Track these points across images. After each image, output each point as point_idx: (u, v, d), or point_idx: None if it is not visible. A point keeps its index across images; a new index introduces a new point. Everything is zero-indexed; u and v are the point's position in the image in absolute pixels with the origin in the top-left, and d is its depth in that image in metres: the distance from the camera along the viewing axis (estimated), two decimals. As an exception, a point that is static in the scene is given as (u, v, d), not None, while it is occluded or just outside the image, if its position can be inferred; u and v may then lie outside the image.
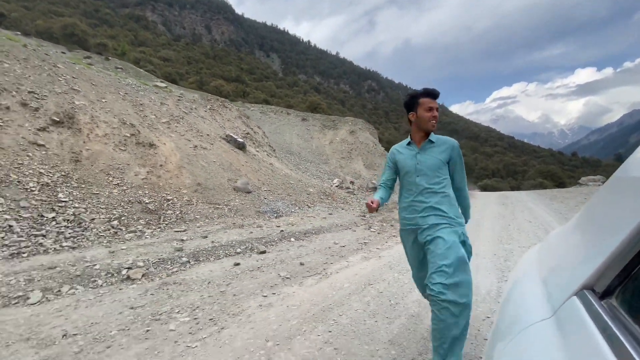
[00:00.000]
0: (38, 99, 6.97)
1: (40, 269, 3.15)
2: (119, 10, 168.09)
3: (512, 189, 39.00)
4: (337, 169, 19.18)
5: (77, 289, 2.88)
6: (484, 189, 30.00)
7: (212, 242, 4.61)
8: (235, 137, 10.78)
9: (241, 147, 10.62)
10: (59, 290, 2.81)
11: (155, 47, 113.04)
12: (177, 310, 2.51)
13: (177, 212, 5.72)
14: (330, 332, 2.24)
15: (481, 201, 13.38)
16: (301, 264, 3.88)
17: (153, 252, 3.98)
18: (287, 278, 3.37)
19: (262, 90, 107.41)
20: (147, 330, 2.21)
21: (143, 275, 3.22)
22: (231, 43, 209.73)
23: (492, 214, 8.39)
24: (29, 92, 7.00)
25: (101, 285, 2.99)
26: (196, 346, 2.03)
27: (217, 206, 6.50)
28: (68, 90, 8.04)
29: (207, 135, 10.35)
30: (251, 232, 5.38)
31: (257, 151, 11.97)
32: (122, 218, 5.00)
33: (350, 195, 11.34)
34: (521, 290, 0.90)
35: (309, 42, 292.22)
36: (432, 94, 1.90)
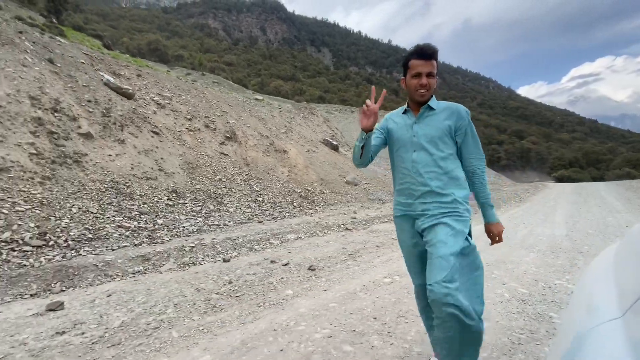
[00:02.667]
0: (211, 121, 10.04)
1: (259, 232, 5.68)
2: (185, 21, 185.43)
3: (594, 179, 36.17)
4: (407, 163, 20.76)
5: (301, 238, 5.30)
6: (560, 180, 28.75)
7: (366, 215, 6.93)
8: (330, 140, 13.20)
9: (335, 148, 13.00)
10: (286, 239, 5.24)
11: (219, 52, 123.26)
12: (386, 245, 4.73)
13: (320, 198, 8.20)
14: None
15: (555, 191, 14.01)
16: None
17: (342, 219, 6.38)
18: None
19: (316, 87, 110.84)
20: (376, 248, 4.43)
21: (353, 228, 5.59)
22: (284, 42, 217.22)
23: (565, 202, 9.50)
24: (205, 116, 10.11)
25: (329, 233, 5.37)
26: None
27: (341, 194, 8.89)
28: (221, 112, 11.12)
29: (311, 140, 12.95)
30: (380, 210, 7.64)
31: (345, 151, 14.30)
32: (293, 201, 7.60)
33: (431, 187, 13.17)
34: (593, 289, 0.86)
35: (359, 32, 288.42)
36: (421, 54, 1.45)
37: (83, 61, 8.28)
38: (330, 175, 9.95)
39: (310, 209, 7.34)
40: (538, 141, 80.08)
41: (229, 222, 5.56)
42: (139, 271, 2.98)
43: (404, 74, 1.54)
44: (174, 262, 3.22)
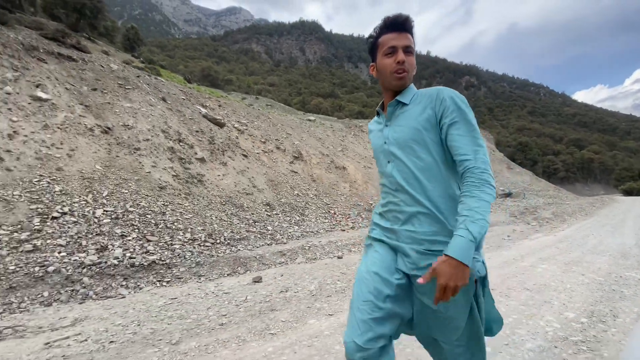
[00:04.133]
0: (280, 143, 11.35)
1: (347, 239, 6.52)
2: (231, 46, 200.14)
3: (672, 191, 32.48)
4: (457, 177, 20.74)
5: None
6: (628, 193, 26.35)
7: None
8: (384, 156, 14.00)
9: (390, 164, 13.75)
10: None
11: (262, 74, 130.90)
12: None
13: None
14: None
15: (624, 205, 13.28)
16: (508, 236, 6.47)
17: None
18: (507, 241, 6.01)
19: (355, 102, 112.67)
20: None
21: None
22: (322, 60, 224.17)
23: (635, 215, 9.22)
24: (275, 139, 11.46)
25: None
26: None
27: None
28: (287, 134, 12.45)
29: (365, 157, 13.82)
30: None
31: (398, 166, 14.99)
32: (360, 214, 8.45)
33: (487, 201, 13.24)
34: None
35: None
36: (393, 25, 1.09)
37: (183, 97, 10.07)
38: (389, 190, 10.72)
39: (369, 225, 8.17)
40: (601, 150, 73.15)
41: (317, 229, 6.54)
42: (283, 262, 4.01)
43: (373, 58, 1.15)
44: (302, 257, 4.22)
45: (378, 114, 1.25)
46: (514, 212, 10.87)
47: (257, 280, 3.19)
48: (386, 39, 1.10)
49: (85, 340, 1.92)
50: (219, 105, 11.87)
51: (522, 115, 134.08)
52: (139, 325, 2.14)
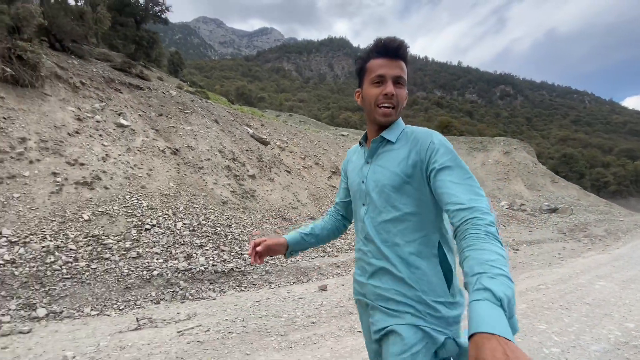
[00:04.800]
0: (319, 158, 11.83)
1: None
2: (263, 65, 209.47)
3: None
4: (495, 191, 20.07)
5: None
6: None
7: None
8: (421, 171, 14.03)
9: (426, 178, 13.73)
10: None
11: (292, 91, 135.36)
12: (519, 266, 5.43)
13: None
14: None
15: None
16: (559, 254, 6.37)
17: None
18: (559, 259, 5.92)
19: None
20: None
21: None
22: (350, 75, 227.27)
23: None
24: (314, 155, 11.97)
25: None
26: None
27: (442, 223, 9.60)
28: (324, 150, 12.95)
29: (402, 171, 13.96)
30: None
31: (435, 180, 14.91)
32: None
33: (532, 217, 12.70)
34: None
35: (425, 57, 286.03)
36: (385, 50, 0.95)
37: (232, 118, 10.94)
38: (427, 205, 10.75)
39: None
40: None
41: (361, 244, 6.83)
42: (339, 273, 4.35)
43: (359, 83, 1.04)
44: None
45: (361, 144, 1.10)
46: (562, 228, 10.44)
47: (323, 288, 3.55)
48: (375, 65, 0.95)
49: (208, 330, 2.37)
50: (262, 125, 12.67)
51: (565, 125, 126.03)
52: (243, 320, 2.57)
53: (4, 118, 4.57)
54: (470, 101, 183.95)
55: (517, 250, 7.05)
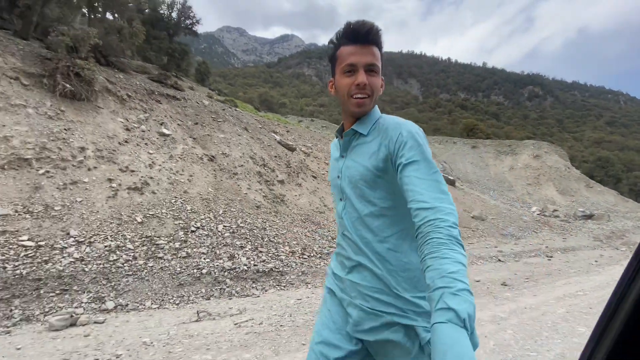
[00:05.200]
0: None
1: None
2: (284, 72, 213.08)
3: None
4: (525, 196, 19.38)
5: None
6: None
7: (511, 249, 7.47)
8: (447, 175, 13.81)
9: (452, 183, 13.51)
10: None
11: (313, 96, 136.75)
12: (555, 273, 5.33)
13: (452, 232, 8.99)
14: None
15: None
16: (595, 261, 6.23)
17: (487, 252, 7.13)
18: (596, 267, 5.78)
19: (405, 118, 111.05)
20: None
21: (506, 260, 6.34)
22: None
23: None
24: (339, 160, 12.13)
25: (485, 263, 6.29)
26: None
27: (471, 229, 9.45)
28: (349, 155, 13.11)
29: (427, 176, 13.85)
30: (517, 245, 7.98)
31: (461, 185, 14.63)
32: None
33: (566, 224, 12.23)
34: None
35: (448, 59, 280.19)
36: (355, 35, 0.89)
37: (260, 126, 11.34)
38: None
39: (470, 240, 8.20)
40: None
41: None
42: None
43: (332, 72, 0.97)
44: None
45: (337, 137, 1.05)
46: (598, 235, 10.00)
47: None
48: (345, 53, 0.90)
49: (261, 323, 2.59)
50: (287, 131, 13.01)
51: (599, 126, 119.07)
52: (290, 316, 2.77)
53: (65, 130, 5.08)
54: (497, 103, 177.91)
55: (551, 257, 6.88)
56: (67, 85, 5.34)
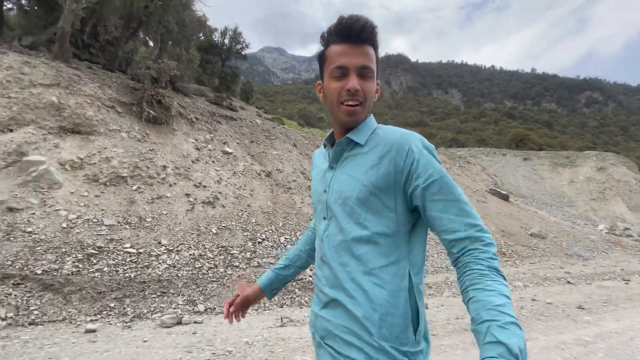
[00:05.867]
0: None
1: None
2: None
3: None
4: (589, 213, 17.69)
5: (529, 286, 5.90)
6: None
7: (580, 271, 6.95)
8: (498, 189, 13.15)
9: (505, 198, 12.83)
10: (516, 285, 5.96)
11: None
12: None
13: (510, 251, 8.52)
14: None
15: None
16: None
17: (552, 273, 6.73)
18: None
19: (447, 129, 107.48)
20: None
21: (576, 282, 5.95)
22: (409, 90, 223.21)
23: None
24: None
25: (554, 285, 5.92)
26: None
27: (530, 248, 8.91)
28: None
29: (477, 190, 13.30)
30: (586, 267, 7.39)
31: (515, 200, 13.83)
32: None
33: (641, 243, 11.01)
34: None
35: (492, 67, 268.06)
36: (346, 33, 0.78)
37: (306, 141, 11.81)
38: (510, 227, 10.06)
39: (508, 260, 7.79)
40: None
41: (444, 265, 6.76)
42: (432, 294, 4.49)
43: (321, 74, 0.87)
44: (448, 291, 4.61)
45: (325, 146, 0.95)
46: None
47: (425, 306, 3.76)
48: (335, 53, 0.79)
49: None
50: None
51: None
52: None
53: (150, 150, 5.80)
54: (549, 110, 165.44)
55: (629, 281, 6.27)
56: (151, 112, 6.12)
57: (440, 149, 24.59)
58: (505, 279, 0.64)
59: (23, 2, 8.97)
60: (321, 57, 0.86)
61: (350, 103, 0.79)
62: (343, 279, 0.77)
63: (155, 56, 7.70)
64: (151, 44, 13.32)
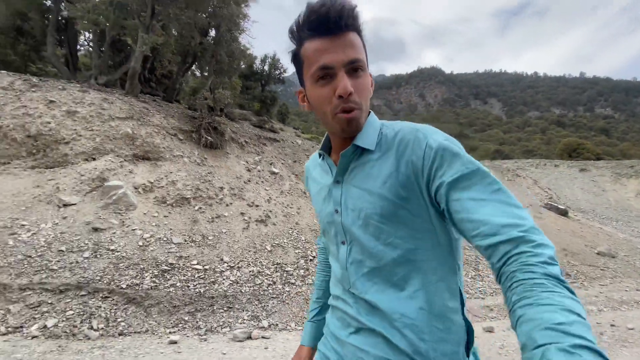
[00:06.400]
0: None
1: None
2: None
3: None
4: (666, 227, 15.68)
5: (604, 311, 5.36)
6: None
7: None
8: (554, 204, 12.19)
9: (564, 213, 11.84)
10: (590, 310, 5.39)
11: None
12: None
13: (575, 271, 7.80)
14: None
15: None
16: None
17: (629, 295, 6.07)
18: None
19: (489, 140, 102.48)
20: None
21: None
22: (445, 102, 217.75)
23: None
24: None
25: (633, 309, 5.33)
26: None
27: (598, 268, 8.09)
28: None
29: (530, 205, 12.44)
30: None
31: (575, 215, 12.71)
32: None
33: None
34: None
35: (535, 73, 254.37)
36: (323, 24, 0.63)
37: (347, 159, 11.96)
38: (573, 246, 9.24)
39: (574, 282, 7.14)
40: None
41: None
42: (494, 317, 4.26)
43: (300, 80, 0.73)
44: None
45: (321, 156, 0.81)
46: None
47: (490, 330, 3.56)
48: (312, 52, 0.64)
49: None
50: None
51: None
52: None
53: (209, 173, 6.25)
54: (604, 116, 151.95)
55: None
56: (209, 138, 6.64)
57: (484, 161, 23.44)
58: (571, 290, 0.45)
59: (90, 45, 10.37)
60: (295, 59, 0.70)
61: (346, 110, 0.65)
62: (382, 307, 0.66)
63: (207, 86, 8.40)
64: (197, 73, 14.59)
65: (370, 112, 0.74)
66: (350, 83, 0.64)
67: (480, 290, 5.74)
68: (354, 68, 0.65)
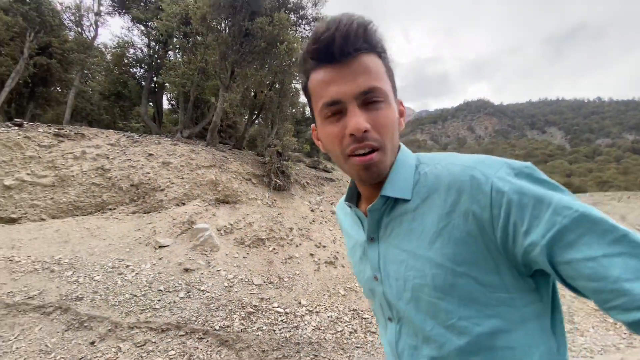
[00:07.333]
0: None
1: None
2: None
3: None
4: None
5: None
6: None
7: None
8: None
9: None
10: None
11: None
12: None
13: None
14: None
15: None
16: None
17: None
18: None
19: (553, 172, 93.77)
20: None
21: None
22: (497, 134, 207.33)
23: None
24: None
25: None
26: None
27: None
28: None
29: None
30: None
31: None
32: None
33: None
34: None
35: (598, 99, 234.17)
36: (327, 51, 0.51)
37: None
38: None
39: None
40: None
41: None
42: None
43: (312, 115, 0.62)
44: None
45: (351, 202, 0.67)
46: None
47: None
48: (318, 84, 0.55)
49: None
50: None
51: None
52: None
53: (279, 214, 6.55)
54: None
55: None
56: (278, 181, 7.06)
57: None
58: None
59: (174, 104, 12.02)
60: (306, 93, 0.60)
61: (361, 152, 0.52)
62: None
63: (272, 134, 9.12)
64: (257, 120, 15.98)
65: (400, 146, 0.60)
66: (365, 117, 0.51)
67: (585, 348, 4.94)
68: (369, 99, 0.52)
